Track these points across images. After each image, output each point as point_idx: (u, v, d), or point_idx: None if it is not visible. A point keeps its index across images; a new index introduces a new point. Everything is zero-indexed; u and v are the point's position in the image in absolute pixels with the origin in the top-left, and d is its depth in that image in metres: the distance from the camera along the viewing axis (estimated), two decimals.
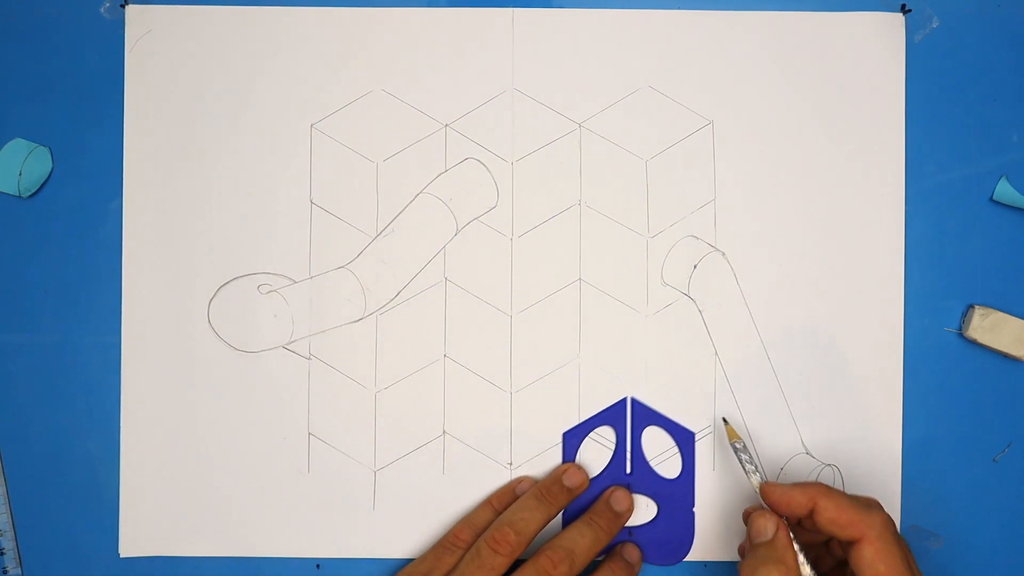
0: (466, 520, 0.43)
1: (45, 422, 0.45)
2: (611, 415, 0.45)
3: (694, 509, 0.44)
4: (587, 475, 0.44)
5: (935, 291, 0.45)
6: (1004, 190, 0.45)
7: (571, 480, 0.43)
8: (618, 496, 0.44)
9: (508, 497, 0.44)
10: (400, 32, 0.45)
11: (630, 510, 0.44)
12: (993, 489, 0.45)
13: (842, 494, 0.38)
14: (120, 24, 0.45)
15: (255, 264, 0.45)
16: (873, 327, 0.45)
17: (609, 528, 0.43)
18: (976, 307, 0.44)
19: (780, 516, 0.39)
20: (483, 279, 0.45)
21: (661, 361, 0.45)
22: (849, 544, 0.38)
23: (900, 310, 0.45)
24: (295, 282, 0.45)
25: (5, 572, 0.44)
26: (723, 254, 0.45)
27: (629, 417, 0.44)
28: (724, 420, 0.44)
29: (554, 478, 0.44)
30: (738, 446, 0.42)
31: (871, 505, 0.38)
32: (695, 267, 0.45)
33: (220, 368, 0.44)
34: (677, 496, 0.44)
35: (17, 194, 0.44)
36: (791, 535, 0.39)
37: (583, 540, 0.42)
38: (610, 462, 0.44)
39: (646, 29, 0.45)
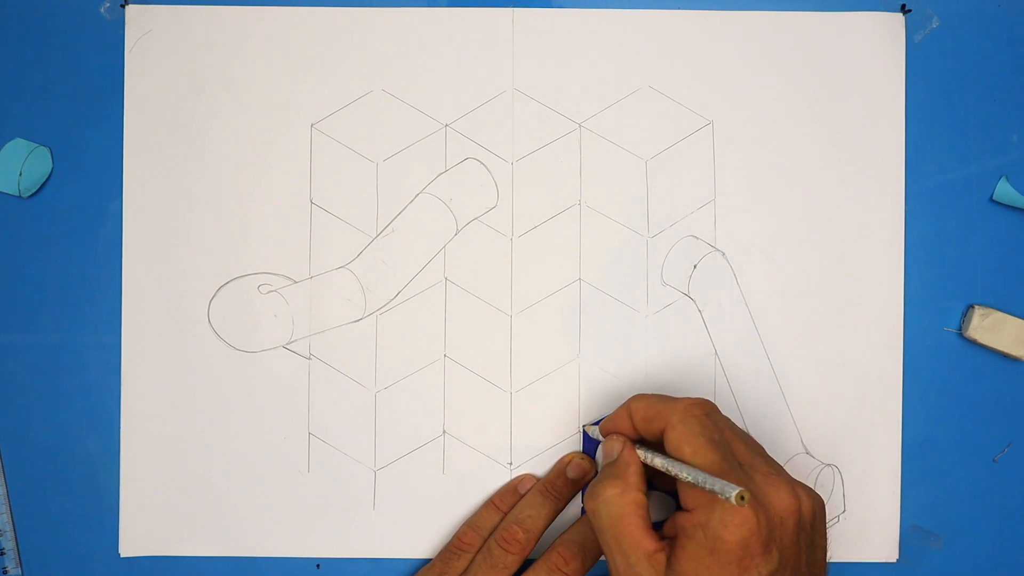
0: (470, 523, 0.43)
1: (45, 422, 0.45)
2: None
3: None
4: (591, 464, 0.44)
5: (935, 291, 0.45)
6: (1004, 190, 0.45)
7: (575, 471, 0.43)
8: None
9: (510, 496, 0.44)
10: (400, 32, 0.45)
11: None
12: (993, 489, 0.45)
13: (655, 395, 0.38)
14: (120, 24, 0.45)
15: (255, 264, 0.45)
16: (873, 327, 0.45)
17: None
18: (976, 307, 0.44)
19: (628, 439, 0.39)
20: (483, 279, 0.45)
21: (661, 361, 0.45)
22: (663, 439, 0.36)
23: (900, 310, 0.45)
24: (295, 282, 0.45)
25: (5, 572, 0.44)
26: (723, 254, 0.45)
27: None
28: (583, 427, 0.44)
29: (557, 471, 0.43)
30: (595, 434, 0.42)
31: (687, 399, 0.37)
32: (695, 267, 0.45)
33: (220, 368, 0.44)
34: None
35: (17, 194, 0.44)
36: (638, 455, 0.37)
37: (593, 533, 0.41)
38: None
39: (646, 29, 0.45)
